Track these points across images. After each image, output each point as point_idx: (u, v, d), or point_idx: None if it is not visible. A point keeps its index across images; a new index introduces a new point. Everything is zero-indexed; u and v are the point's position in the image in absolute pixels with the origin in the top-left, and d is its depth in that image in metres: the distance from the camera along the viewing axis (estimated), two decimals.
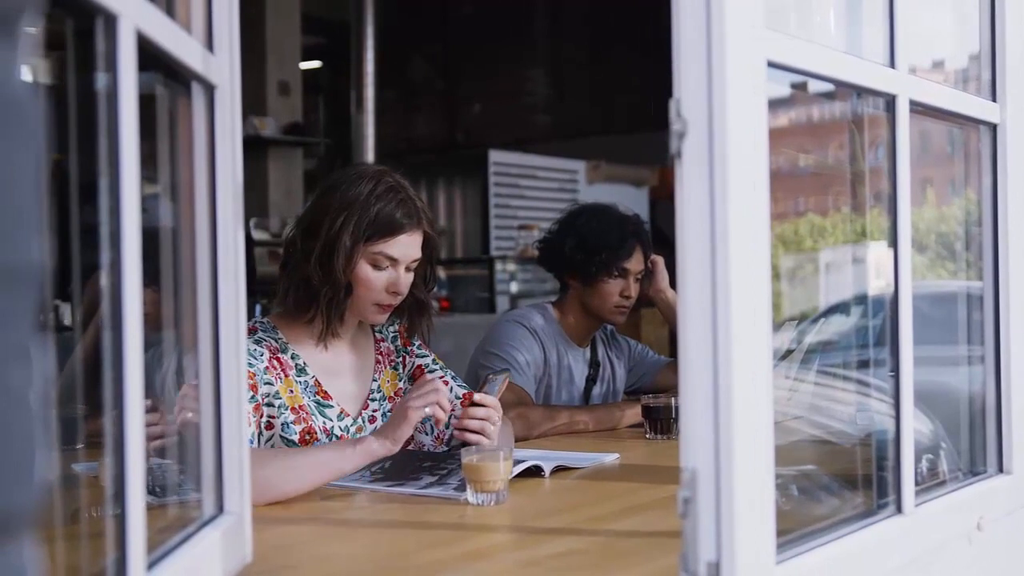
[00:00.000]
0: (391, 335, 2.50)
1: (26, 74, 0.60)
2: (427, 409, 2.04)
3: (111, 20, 1.03)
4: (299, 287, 2.28)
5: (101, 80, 1.06)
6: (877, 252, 1.89)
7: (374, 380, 2.42)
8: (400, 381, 2.47)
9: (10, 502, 0.58)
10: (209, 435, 1.42)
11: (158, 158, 1.38)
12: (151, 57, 1.16)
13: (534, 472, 2.18)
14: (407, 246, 2.28)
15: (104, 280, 1.05)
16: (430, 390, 2.07)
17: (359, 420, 2.35)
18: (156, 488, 1.42)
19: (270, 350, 2.25)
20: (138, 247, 1.06)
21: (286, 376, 2.26)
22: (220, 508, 1.43)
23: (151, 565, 1.13)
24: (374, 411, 2.39)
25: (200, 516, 1.40)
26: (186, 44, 1.29)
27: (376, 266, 2.26)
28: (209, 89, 1.40)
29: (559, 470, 2.26)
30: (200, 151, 1.40)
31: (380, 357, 2.45)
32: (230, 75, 1.44)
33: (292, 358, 2.29)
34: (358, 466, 2.05)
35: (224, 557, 1.38)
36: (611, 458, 2.44)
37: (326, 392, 2.31)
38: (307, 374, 2.30)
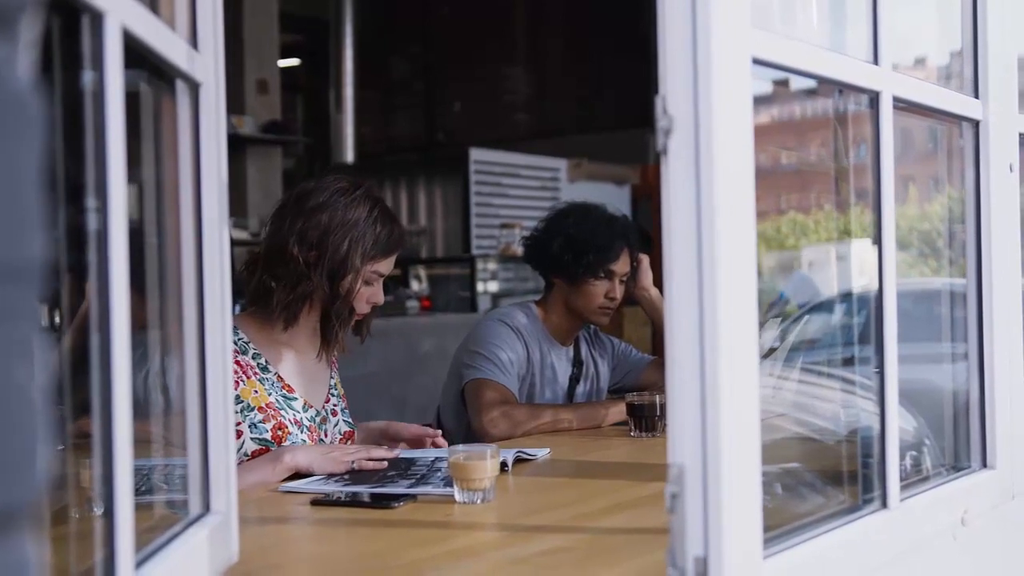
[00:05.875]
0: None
1: (26, 72, 0.60)
2: (354, 465, 2.21)
3: (97, 17, 1.03)
4: (301, 299, 2.36)
5: (86, 78, 1.05)
6: (860, 250, 1.90)
7: (331, 378, 2.56)
8: (341, 387, 2.63)
9: (14, 496, 0.58)
10: (195, 435, 1.41)
11: (142, 157, 1.37)
12: (135, 55, 1.15)
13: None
14: (393, 263, 2.46)
15: (90, 281, 1.05)
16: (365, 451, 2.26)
17: (323, 412, 2.47)
18: (140, 487, 1.41)
19: None
20: (125, 247, 1.06)
21: (248, 377, 2.34)
22: (206, 507, 1.42)
23: (139, 564, 1.13)
24: (334, 405, 2.53)
25: (186, 515, 1.39)
26: (171, 41, 1.28)
27: (367, 282, 2.40)
28: (194, 87, 1.39)
29: (520, 461, 2.33)
30: (185, 150, 1.40)
31: (333, 359, 2.58)
32: (215, 73, 1.44)
33: (253, 358, 2.38)
34: (279, 479, 2.17)
35: (211, 556, 1.37)
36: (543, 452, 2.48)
37: (289, 386, 2.41)
38: (270, 371, 2.38)
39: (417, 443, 2.51)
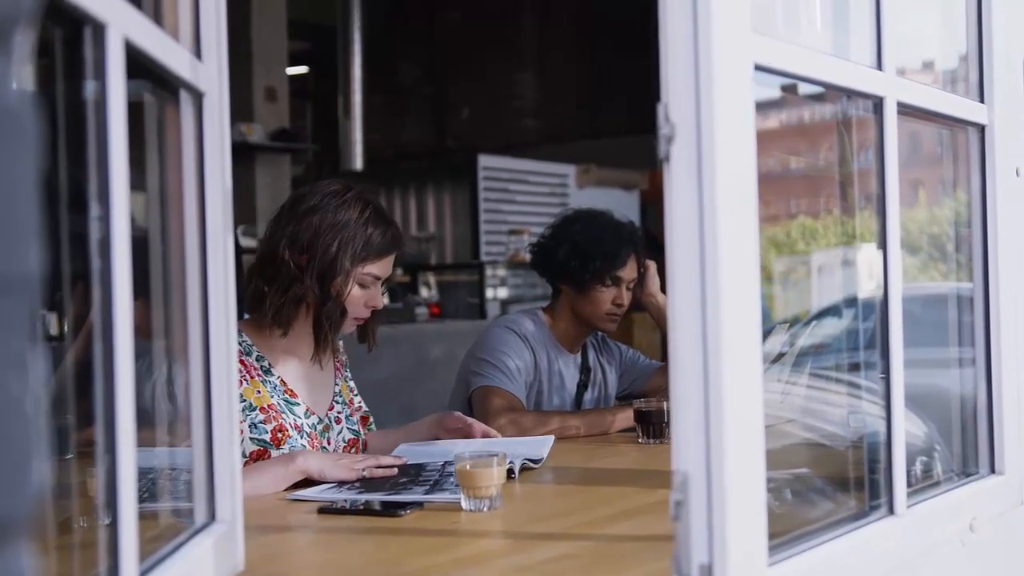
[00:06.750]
0: (340, 348, 2.64)
1: (21, 84, 0.60)
2: (365, 473, 2.19)
3: (99, 29, 1.03)
4: (293, 303, 2.36)
5: (89, 88, 1.06)
6: (868, 254, 1.90)
7: (336, 385, 2.55)
8: (351, 392, 2.61)
9: (9, 508, 0.58)
10: (201, 444, 1.41)
11: (146, 166, 1.37)
12: (139, 65, 1.15)
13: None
14: (390, 265, 2.45)
15: (94, 289, 1.05)
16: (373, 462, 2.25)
17: (326, 419, 2.47)
18: (144, 494, 1.41)
19: None
20: (128, 256, 1.06)
21: (252, 378, 2.35)
22: (212, 516, 1.42)
23: (143, 573, 1.13)
24: (338, 413, 2.52)
25: (192, 524, 1.39)
26: (174, 52, 1.28)
27: (362, 285, 2.39)
28: (197, 97, 1.40)
29: (526, 469, 2.32)
30: (189, 159, 1.40)
31: (338, 365, 2.58)
32: (218, 82, 1.44)
33: (257, 360, 2.38)
34: (290, 482, 2.16)
35: (216, 565, 1.38)
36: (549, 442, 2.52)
37: (292, 391, 2.41)
38: (273, 375, 2.39)
39: (467, 434, 2.54)
